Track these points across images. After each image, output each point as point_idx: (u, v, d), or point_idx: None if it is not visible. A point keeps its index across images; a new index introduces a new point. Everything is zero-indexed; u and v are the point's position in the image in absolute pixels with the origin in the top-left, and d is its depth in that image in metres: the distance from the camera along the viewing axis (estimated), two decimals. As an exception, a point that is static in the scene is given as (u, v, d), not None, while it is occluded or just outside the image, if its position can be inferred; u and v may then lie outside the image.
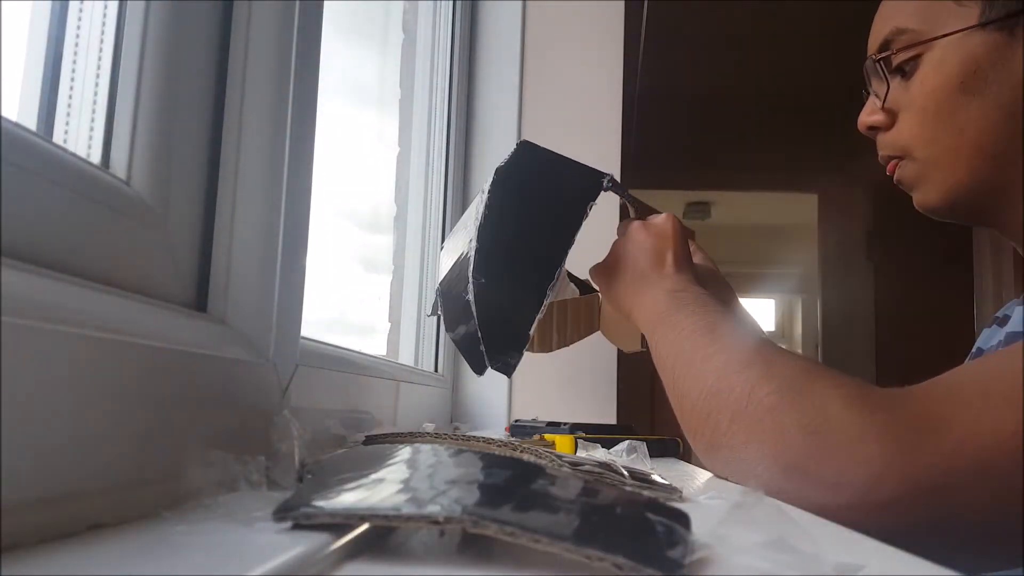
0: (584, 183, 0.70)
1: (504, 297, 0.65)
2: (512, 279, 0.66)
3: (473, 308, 0.64)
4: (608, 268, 0.75)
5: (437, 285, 0.72)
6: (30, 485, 0.24)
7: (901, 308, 3.50)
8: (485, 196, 0.66)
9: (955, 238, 2.95)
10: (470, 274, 0.64)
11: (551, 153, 0.70)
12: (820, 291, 3.88)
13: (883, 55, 0.64)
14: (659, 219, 0.75)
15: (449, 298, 0.69)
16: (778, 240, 5.47)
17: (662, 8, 2.29)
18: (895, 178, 0.66)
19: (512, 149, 0.68)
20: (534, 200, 0.68)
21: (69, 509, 0.25)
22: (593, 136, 1.33)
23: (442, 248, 0.75)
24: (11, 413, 0.23)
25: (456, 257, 0.69)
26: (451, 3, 1.28)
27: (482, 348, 0.64)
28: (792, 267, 5.73)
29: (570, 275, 0.82)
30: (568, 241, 0.66)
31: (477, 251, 0.64)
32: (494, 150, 1.33)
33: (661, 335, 0.63)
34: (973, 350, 0.74)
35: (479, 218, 0.65)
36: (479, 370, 0.68)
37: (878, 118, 0.66)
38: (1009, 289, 2.59)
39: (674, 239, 0.71)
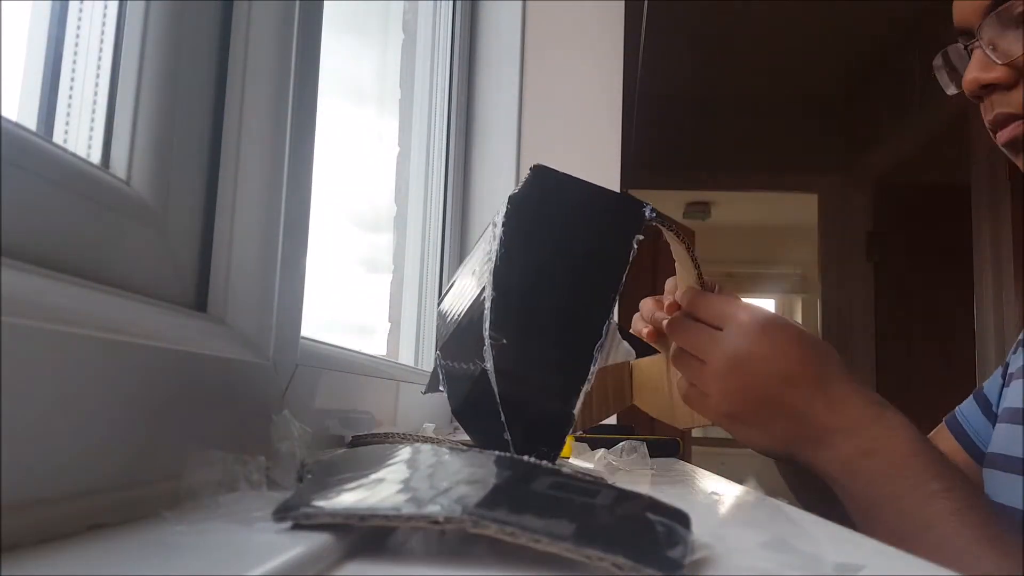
0: (619, 212, 0.55)
1: (534, 363, 0.49)
2: (543, 339, 0.49)
3: (493, 380, 0.47)
4: (730, 403, 0.58)
5: (436, 353, 0.54)
6: (30, 485, 0.24)
7: (901, 308, 3.50)
8: (498, 231, 0.50)
9: (955, 238, 2.95)
10: (486, 333, 0.48)
11: (572, 178, 0.55)
12: (820, 291, 3.88)
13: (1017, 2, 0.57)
14: (766, 320, 0.57)
15: (455, 372, 0.51)
16: (778, 240, 5.47)
17: (662, 8, 2.29)
18: (1006, 139, 0.61)
19: (526, 176, 0.53)
20: (561, 236, 0.52)
21: (69, 509, 0.25)
22: (593, 136, 1.33)
23: (439, 306, 0.56)
24: (11, 413, 0.23)
25: (459, 313, 0.52)
26: (451, 3, 1.28)
27: (507, 437, 0.48)
28: (792, 267, 5.73)
29: (621, 330, 0.65)
30: (614, 287, 0.50)
31: (494, 302, 0.48)
32: (494, 150, 1.33)
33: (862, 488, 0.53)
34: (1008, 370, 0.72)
35: (493, 259, 0.49)
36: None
37: (998, 75, 0.59)
38: (1009, 289, 2.59)
39: (805, 345, 0.56)
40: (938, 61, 0.67)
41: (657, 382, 0.70)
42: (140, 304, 0.34)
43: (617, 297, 0.51)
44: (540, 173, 0.54)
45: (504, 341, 0.48)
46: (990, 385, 0.75)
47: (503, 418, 0.47)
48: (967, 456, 0.73)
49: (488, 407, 0.48)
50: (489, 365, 0.47)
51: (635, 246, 0.51)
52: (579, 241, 0.53)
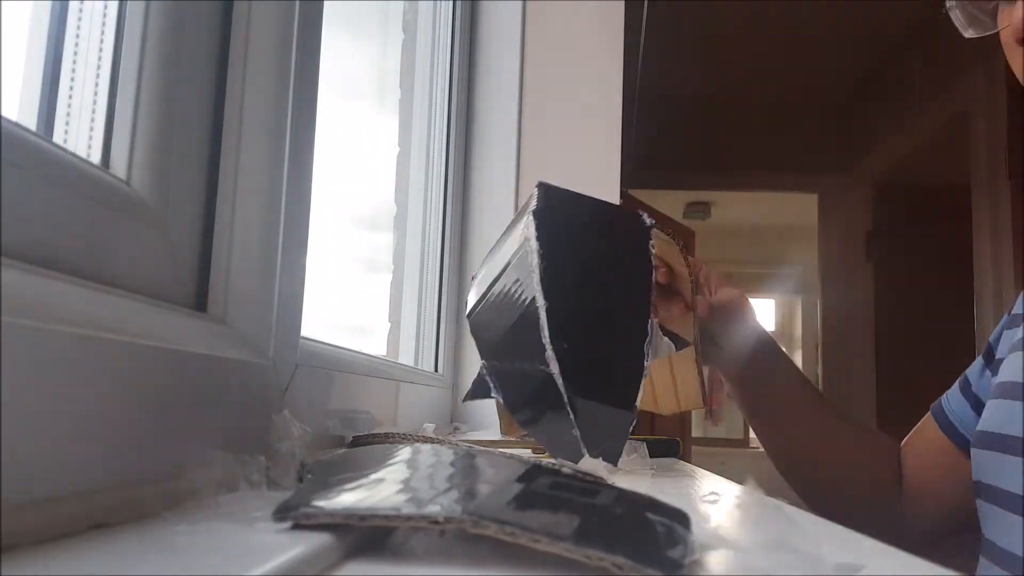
0: (624, 221, 0.61)
1: (594, 364, 0.53)
2: (598, 341, 0.54)
3: (560, 383, 0.51)
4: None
5: (483, 362, 0.56)
6: (30, 485, 0.24)
7: (901, 308, 3.50)
8: (533, 244, 0.53)
9: (955, 238, 2.95)
10: (547, 340, 0.51)
11: (575, 194, 0.60)
12: (820, 291, 3.88)
13: None
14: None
15: (513, 377, 0.54)
16: (778, 240, 5.48)
17: (662, 8, 2.29)
18: None
19: (533, 192, 0.57)
20: (585, 246, 0.58)
21: (69, 509, 0.25)
22: (593, 136, 1.33)
23: (470, 314, 0.58)
24: (11, 413, 0.23)
25: (507, 322, 0.54)
26: (451, 3, 1.28)
27: (576, 432, 0.51)
28: (792, 267, 5.73)
29: (660, 327, 0.71)
30: (647, 288, 0.56)
31: (548, 310, 0.51)
32: (494, 150, 1.33)
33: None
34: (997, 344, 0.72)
35: (536, 271, 0.53)
36: (574, 458, 0.54)
37: None
38: (1009, 290, 2.59)
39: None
40: (951, 1, 0.62)
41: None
42: (140, 304, 0.34)
43: (652, 297, 0.56)
44: (547, 190, 0.58)
45: (565, 346, 0.51)
46: (972, 367, 0.74)
47: (572, 417, 0.51)
48: (951, 444, 0.72)
49: (553, 408, 0.51)
50: (555, 368, 0.51)
51: (653, 250, 0.58)
52: (599, 249, 0.58)
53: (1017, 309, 0.70)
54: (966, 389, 0.73)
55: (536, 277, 0.52)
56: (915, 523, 0.75)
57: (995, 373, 0.69)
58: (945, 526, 0.75)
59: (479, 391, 0.57)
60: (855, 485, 0.78)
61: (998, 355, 0.70)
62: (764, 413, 0.81)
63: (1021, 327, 0.66)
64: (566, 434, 0.51)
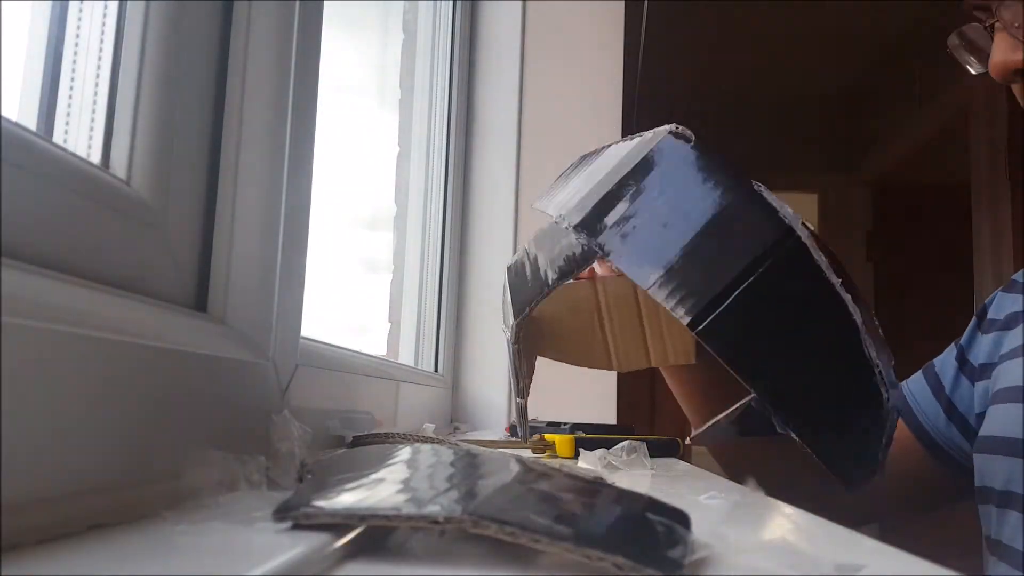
0: None
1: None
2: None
3: (887, 401, 0.44)
4: None
5: (751, 397, 0.43)
6: (30, 485, 0.24)
7: (901, 308, 3.50)
8: (807, 236, 0.44)
9: (955, 238, 2.95)
10: (872, 354, 0.43)
11: None
12: (820, 291, 3.87)
13: None
14: None
15: (813, 396, 0.44)
16: (778, 240, 5.46)
17: (662, 8, 2.29)
18: None
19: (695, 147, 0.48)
20: None
21: (69, 509, 0.25)
22: (593, 136, 1.33)
23: (701, 323, 0.42)
24: (11, 413, 0.23)
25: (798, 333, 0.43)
26: (451, 3, 1.28)
27: (883, 442, 0.45)
28: (792, 267, 5.72)
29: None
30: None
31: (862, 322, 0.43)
32: (494, 150, 1.33)
33: None
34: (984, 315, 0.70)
35: (827, 269, 0.43)
36: (856, 481, 0.45)
37: None
38: (1009, 289, 2.59)
39: None
40: (955, 40, 0.63)
41: (580, 318, 0.60)
42: (140, 304, 0.34)
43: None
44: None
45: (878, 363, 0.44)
46: (942, 365, 0.73)
47: (886, 432, 0.46)
48: (908, 432, 0.71)
49: (872, 427, 0.45)
50: (885, 391, 0.44)
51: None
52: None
53: (993, 315, 0.70)
54: (939, 391, 0.71)
55: (836, 281, 0.43)
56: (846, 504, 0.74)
57: (974, 378, 0.69)
58: (879, 507, 0.75)
59: (747, 427, 0.46)
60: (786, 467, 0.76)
61: (976, 360, 0.69)
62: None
63: (1012, 330, 0.66)
64: (869, 451, 0.45)
